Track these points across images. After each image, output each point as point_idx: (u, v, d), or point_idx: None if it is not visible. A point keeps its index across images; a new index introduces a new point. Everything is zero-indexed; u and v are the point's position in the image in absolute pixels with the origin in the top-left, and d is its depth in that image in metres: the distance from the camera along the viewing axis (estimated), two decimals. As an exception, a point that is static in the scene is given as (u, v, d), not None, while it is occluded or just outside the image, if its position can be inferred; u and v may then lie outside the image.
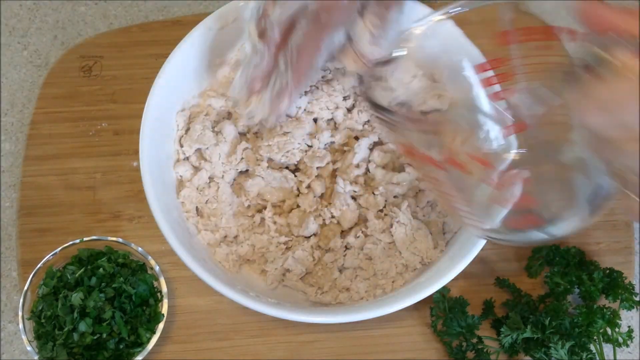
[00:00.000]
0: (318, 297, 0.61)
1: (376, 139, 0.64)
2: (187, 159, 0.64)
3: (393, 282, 0.61)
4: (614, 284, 0.62)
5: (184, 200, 0.63)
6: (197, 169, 0.64)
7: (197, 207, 0.63)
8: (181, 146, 0.64)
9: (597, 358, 0.59)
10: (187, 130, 0.65)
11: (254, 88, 0.58)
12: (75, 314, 0.58)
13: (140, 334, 0.59)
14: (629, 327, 0.64)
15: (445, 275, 0.56)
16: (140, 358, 0.59)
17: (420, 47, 0.64)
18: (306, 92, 0.65)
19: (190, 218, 0.63)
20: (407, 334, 0.64)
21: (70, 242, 0.62)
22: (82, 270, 0.60)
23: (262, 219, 0.63)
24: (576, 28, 0.45)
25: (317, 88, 0.65)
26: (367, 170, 0.63)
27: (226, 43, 0.65)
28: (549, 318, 0.59)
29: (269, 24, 0.56)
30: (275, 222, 0.63)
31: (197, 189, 0.63)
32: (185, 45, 0.63)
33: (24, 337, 0.59)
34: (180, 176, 0.64)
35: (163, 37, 0.74)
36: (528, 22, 0.74)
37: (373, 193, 0.62)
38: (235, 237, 0.63)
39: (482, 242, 0.56)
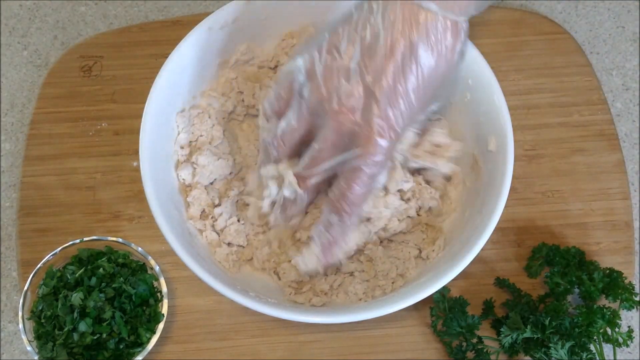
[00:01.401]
0: (316, 300, 0.61)
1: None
2: (187, 160, 0.65)
3: (393, 282, 0.61)
4: (614, 284, 0.62)
5: (193, 200, 0.63)
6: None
7: (204, 209, 0.64)
8: (181, 148, 0.64)
9: (597, 358, 0.59)
10: (190, 149, 0.65)
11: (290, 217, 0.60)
12: (75, 314, 0.58)
13: (140, 334, 0.59)
14: (629, 327, 0.64)
15: (445, 275, 0.56)
16: (140, 358, 0.59)
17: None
18: None
19: (192, 219, 0.63)
20: (407, 334, 0.64)
21: (70, 242, 0.62)
22: (82, 270, 0.60)
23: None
24: None
25: None
26: None
27: (226, 43, 0.65)
28: (549, 318, 0.59)
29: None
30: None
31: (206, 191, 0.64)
32: (185, 45, 0.63)
33: (24, 337, 0.59)
34: (183, 179, 0.64)
35: (163, 37, 0.74)
36: (535, 23, 0.75)
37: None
38: (241, 245, 0.64)
39: (482, 242, 0.56)
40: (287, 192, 0.57)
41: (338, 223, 0.56)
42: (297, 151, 0.57)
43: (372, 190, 0.56)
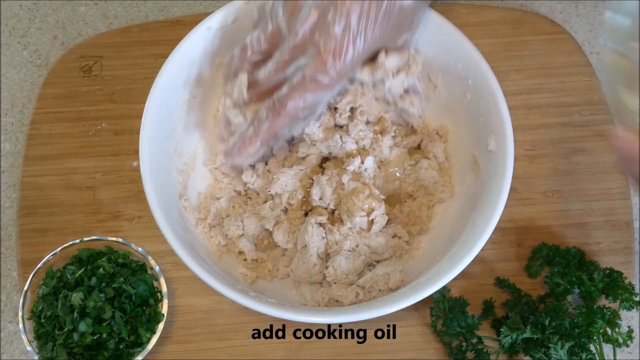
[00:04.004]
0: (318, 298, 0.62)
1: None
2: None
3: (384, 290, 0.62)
4: (614, 284, 0.62)
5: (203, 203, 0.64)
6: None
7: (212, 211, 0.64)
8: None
9: (597, 358, 0.59)
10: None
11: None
12: (75, 314, 0.58)
13: (140, 334, 0.59)
14: (629, 327, 0.64)
15: (445, 275, 0.56)
16: (140, 358, 0.59)
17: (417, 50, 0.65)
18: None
19: (193, 219, 0.63)
20: (407, 334, 0.64)
21: (70, 242, 0.62)
22: (82, 270, 0.60)
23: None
24: None
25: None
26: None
27: (226, 43, 0.65)
28: (549, 318, 0.59)
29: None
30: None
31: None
32: (185, 45, 0.63)
33: (24, 337, 0.59)
34: (183, 179, 0.64)
35: (163, 37, 0.74)
36: (535, 23, 0.75)
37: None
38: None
39: (482, 242, 0.56)
40: (236, 93, 0.61)
41: (264, 120, 0.59)
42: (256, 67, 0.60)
43: (310, 110, 0.60)
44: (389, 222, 0.63)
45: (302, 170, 0.64)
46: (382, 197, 0.62)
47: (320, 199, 0.62)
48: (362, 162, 0.62)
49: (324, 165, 0.65)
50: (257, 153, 0.62)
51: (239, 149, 0.61)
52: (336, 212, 0.62)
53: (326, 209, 0.63)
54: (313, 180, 0.63)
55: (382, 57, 0.60)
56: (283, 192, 0.63)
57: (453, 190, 0.65)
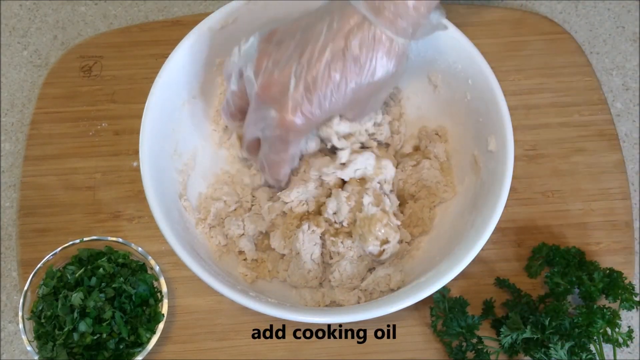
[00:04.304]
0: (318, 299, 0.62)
1: None
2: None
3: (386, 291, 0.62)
4: (614, 284, 0.62)
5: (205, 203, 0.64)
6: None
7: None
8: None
9: (597, 358, 0.59)
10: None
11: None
12: (75, 314, 0.58)
13: (140, 334, 0.59)
14: (629, 327, 0.64)
15: (445, 275, 0.56)
16: (140, 358, 0.59)
17: (417, 51, 0.65)
18: None
19: (193, 219, 0.63)
20: (407, 334, 0.64)
21: (70, 242, 0.62)
22: (82, 270, 0.60)
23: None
24: None
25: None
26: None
27: (226, 43, 0.65)
28: (549, 318, 0.59)
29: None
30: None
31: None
32: (185, 45, 0.63)
33: (24, 337, 0.59)
34: (183, 179, 0.64)
35: (163, 37, 0.74)
36: (535, 23, 0.75)
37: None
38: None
39: (482, 242, 0.56)
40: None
41: (264, 170, 0.63)
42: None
43: (290, 158, 0.61)
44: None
45: (321, 185, 0.63)
46: (399, 223, 0.61)
47: (335, 213, 0.61)
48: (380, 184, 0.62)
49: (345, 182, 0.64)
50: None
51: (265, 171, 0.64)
52: (344, 228, 0.62)
53: (339, 224, 0.62)
54: (331, 192, 0.63)
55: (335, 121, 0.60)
56: (294, 199, 0.63)
57: (455, 189, 0.65)
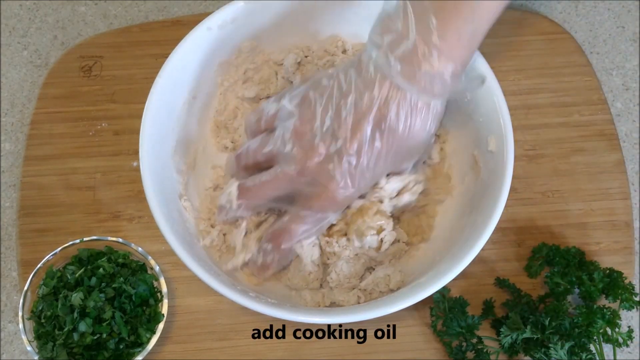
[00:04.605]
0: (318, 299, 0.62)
1: None
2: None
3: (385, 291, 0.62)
4: (614, 284, 0.62)
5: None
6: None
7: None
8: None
9: (597, 358, 0.59)
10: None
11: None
12: (75, 314, 0.58)
13: (140, 334, 0.59)
14: (629, 327, 0.64)
15: (445, 275, 0.56)
16: (140, 358, 0.59)
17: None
18: None
19: (193, 219, 0.63)
20: (407, 334, 0.64)
21: (70, 242, 0.62)
22: (82, 270, 0.60)
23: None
24: None
25: None
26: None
27: (226, 43, 0.65)
28: (549, 318, 0.59)
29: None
30: None
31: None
32: (185, 45, 0.63)
33: (24, 337, 0.59)
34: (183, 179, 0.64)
35: (163, 37, 0.74)
36: (535, 23, 0.75)
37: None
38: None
39: (482, 242, 0.56)
40: (223, 199, 0.61)
41: (272, 252, 0.60)
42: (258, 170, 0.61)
43: (313, 233, 0.60)
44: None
45: None
46: (390, 213, 0.62)
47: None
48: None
49: None
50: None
51: (257, 273, 0.62)
52: (336, 226, 0.62)
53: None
54: None
55: (382, 182, 0.60)
56: None
57: (449, 191, 0.65)
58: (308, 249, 0.61)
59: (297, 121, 0.57)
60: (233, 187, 0.61)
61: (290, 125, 0.58)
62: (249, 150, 0.61)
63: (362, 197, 0.61)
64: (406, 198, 0.62)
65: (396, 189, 0.61)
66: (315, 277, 0.61)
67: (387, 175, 0.61)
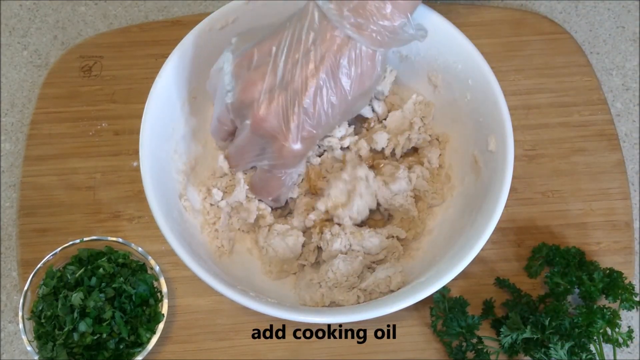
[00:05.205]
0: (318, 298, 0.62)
1: None
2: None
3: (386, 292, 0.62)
4: (614, 284, 0.62)
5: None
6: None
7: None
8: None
9: (597, 358, 0.59)
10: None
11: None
12: (75, 314, 0.58)
13: (140, 334, 0.59)
14: (629, 327, 0.64)
15: (445, 275, 0.56)
16: (140, 358, 0.59)
17: (417, 50, 0.65)
18: None
19: (193, 219, 0.63)
20: (407, 334, 0.64)
21: (70, 242, 0.62)
22: (82, 270, 0.60)
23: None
24: None
25: None
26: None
27: (226, 43, 0.65)
28: (549, 318, 0.59)
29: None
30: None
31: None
32: (185, 45, 0.63)
33: (24, 337, 0.59)
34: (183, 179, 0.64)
35: (163, 37, 0.74)
36: (535, 23, 0.75)
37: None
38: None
39: (482, 242, 0.56)
40: (222, 164, 0.65)
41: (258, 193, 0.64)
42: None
43: (286, 182, 0.62)
44: (383, 223, 0.64)
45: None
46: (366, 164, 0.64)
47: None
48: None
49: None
50: None
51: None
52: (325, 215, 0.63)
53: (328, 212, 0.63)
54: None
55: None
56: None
57: (444, 197, 0.65)
58: (299, 219, 0.64)
59: (247, 77, 0.57)
60: (220, 159, 0.64)
61: (242, 82, 0.58)
62: (219, 122, 0.62)
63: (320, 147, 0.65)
64: (402, 185, 0.63)
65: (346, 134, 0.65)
66: (300, 247, 0.63)
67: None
